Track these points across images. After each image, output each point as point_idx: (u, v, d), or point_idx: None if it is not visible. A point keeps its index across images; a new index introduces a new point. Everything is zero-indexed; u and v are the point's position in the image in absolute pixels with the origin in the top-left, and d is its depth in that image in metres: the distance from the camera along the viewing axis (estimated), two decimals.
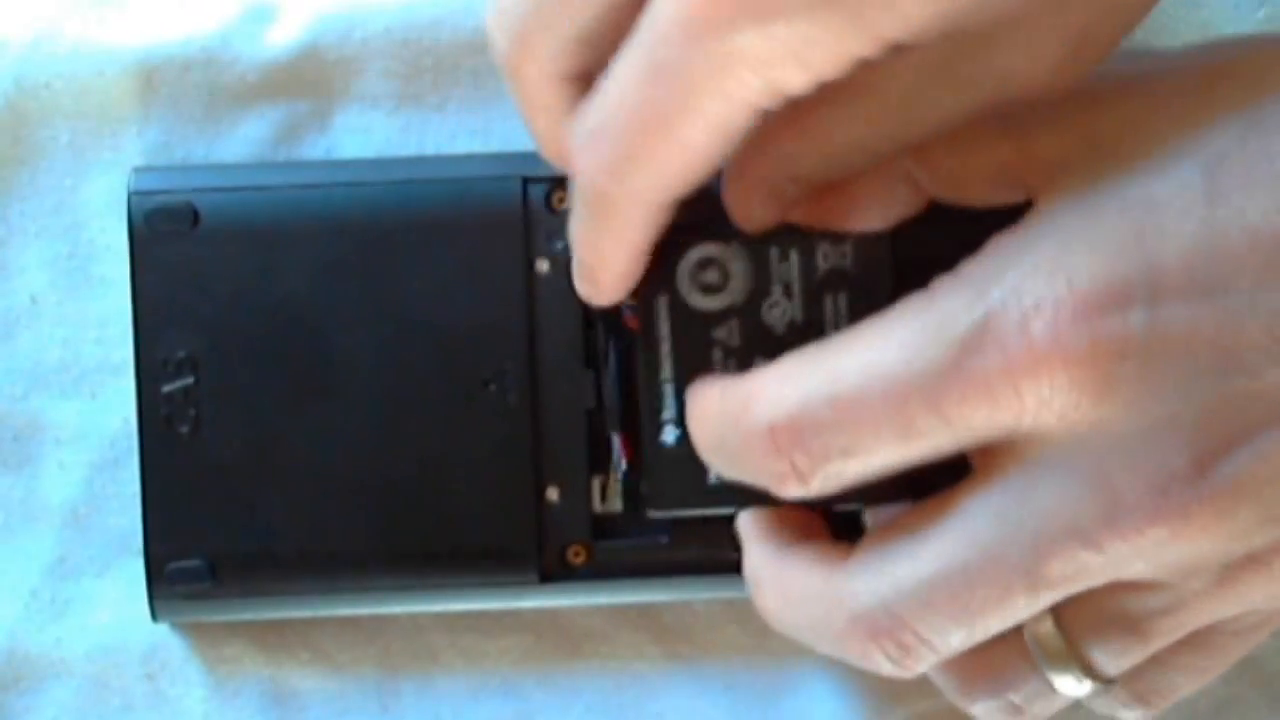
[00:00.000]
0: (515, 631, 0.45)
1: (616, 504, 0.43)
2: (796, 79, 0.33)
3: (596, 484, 0.43)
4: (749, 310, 0.41)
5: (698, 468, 0.40)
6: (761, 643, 0.45)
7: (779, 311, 0.41)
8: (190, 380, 0.42)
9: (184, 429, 0.42)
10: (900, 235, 0.41)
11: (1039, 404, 0.33)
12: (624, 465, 0.42)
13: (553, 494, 0.43)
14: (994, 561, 0.34)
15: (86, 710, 0.45)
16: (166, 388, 0.42)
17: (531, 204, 0.42)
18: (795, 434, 0.35)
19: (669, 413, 0.41)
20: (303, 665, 0.45)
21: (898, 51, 0.33)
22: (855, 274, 0.41)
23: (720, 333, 0.41)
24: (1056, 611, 0.36)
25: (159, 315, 0.42)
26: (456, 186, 0.42)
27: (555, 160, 0.38)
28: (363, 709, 0.45)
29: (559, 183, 0.42)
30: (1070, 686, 0.37)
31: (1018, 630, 0.36)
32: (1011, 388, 0.33)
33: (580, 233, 0.37)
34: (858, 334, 0.35)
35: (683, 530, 0.42)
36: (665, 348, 0.42)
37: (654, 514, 0.41)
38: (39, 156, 0.44)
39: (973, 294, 0.34)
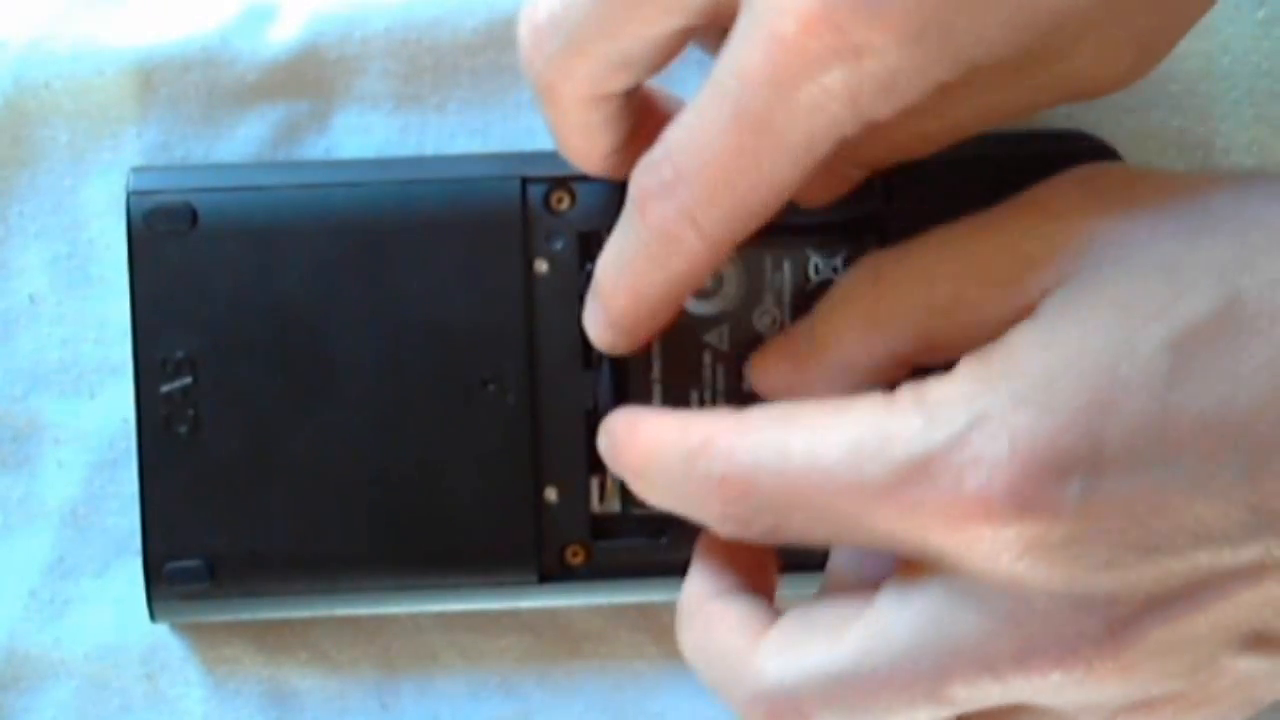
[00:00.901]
0: (514, 631, 0.45)
1: (615, 504, 0.43)
2: (885, 108, 0.34)
3: (595, 484, 0.43)
4: (740, 316, 0.42)
5: None
6: None
7: (769, 319, 0.42)
8: (189, 380, 0.42)
9: (183, 429, 0.42)
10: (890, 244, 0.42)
11: (964, 547, 0.34)
12: None
13: (551, 494, 0.43)
14: (902, 671, 0.35)
15: (86, 710, 0.45)
16: (165, 388, 0.42)
17: (530, 204, 0.42)
18: (742, 490, 0.36)
19: None
20: (302, 665, 0.45)
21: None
22: None
23: (711, 337, 0.42)
24: None
25: (158, 315, 0.42)
26: (455, 187, 0.42)
27: (585, 169, 0.39)
28: (362, 709, 0.45)
29: (558, 183, 0.42)
30: None
31: None
32: (939, 528, 0.34)
33: (626, 280, 0.37)
34: (815, 411, 0.36)
35: (682, 530, 0.42)
36: (656, 348, 0.42)
37: (641, 511, 0.42)
38: (38, 156, 0.44)
39: (925, 423, 0.34)
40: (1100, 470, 0.33)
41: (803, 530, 0.35)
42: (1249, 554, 0.33)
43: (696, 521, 0.37)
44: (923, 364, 0.37)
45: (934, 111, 0.35)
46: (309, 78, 0.44)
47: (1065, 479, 0.33)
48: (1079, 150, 0.43)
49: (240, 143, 0.44)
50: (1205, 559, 0.33)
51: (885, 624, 0.35)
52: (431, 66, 0.44)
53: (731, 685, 0.37)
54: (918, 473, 0.34)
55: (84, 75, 0.44)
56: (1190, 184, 0.36)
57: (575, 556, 0.43)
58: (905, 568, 0.36)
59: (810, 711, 0.35)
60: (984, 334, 0.35)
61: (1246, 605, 0.34)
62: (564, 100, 0.37)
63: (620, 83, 0.37)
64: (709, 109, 0.34)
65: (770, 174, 0.34)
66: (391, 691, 0.45)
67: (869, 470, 0.34)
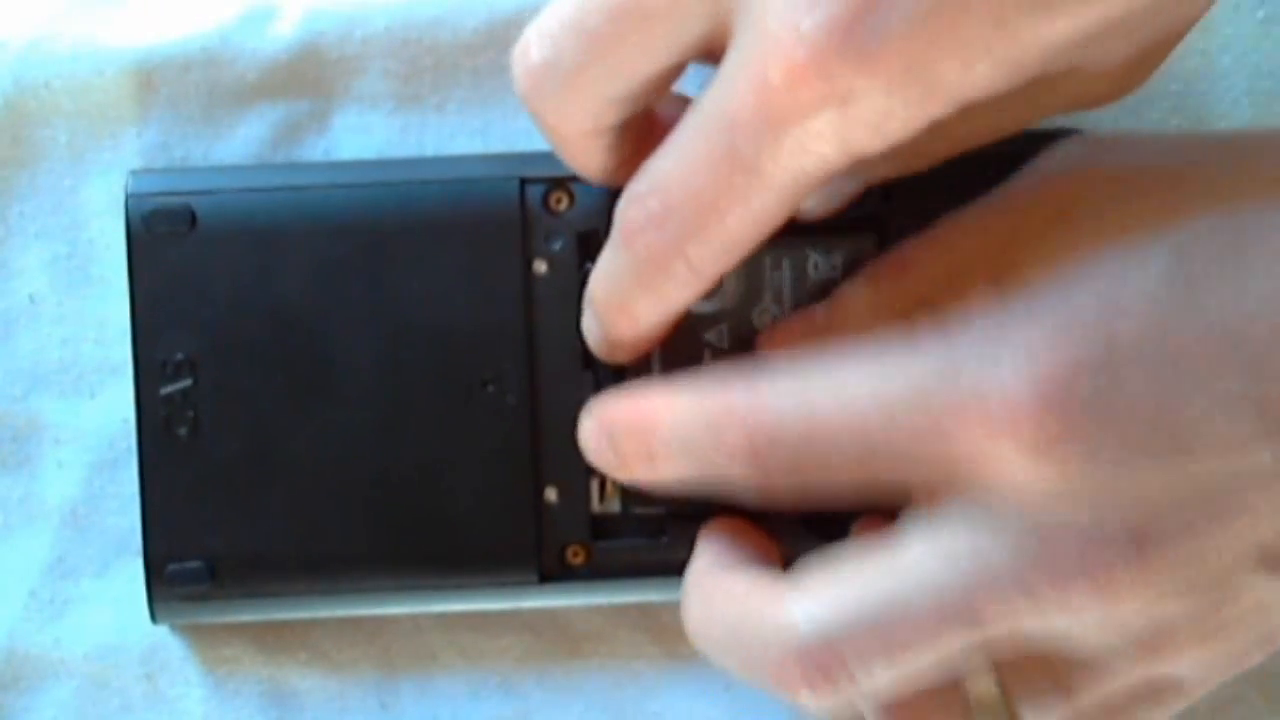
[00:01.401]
0: (514, 631, 0.45)
1: (615, 504, 0.43)
2: (875, 146, 0.34)
3: (595, 484, 0.43)
4: (739, 315, 0.42)
5: None
6: None
7: (769, 318, 0.42)
8: (189, 382, 0.42)
9: (182, 431, 0.42)
10: (890, 246, 0.42)
11: (991, 463, 0.34)
12: None
13: (551, 494, 0.43)
14: (936, 598, 0.35)
15: (85, 710, 0.45)
16: (165, 389, 0.42)
17: (529, 205, 0.42)
18: (770, 450, 0.36)
19: None
20: (302, 665, 0.45)
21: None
22: None
23: (710, 335, 0.42)
24: (999, 678, 0.38)
25: (157, 317, 0.42)
26: (454, 187, 0.42)
27: (590, 182, 0.39)
28: (362, 709, 0.45)
29: (557, 184, 0.42)
30: None
31: (952, 690, 0.38)
32: (967, 446, 0.34)
33: (617, 300, 0.38)
34: (836, 362, 0.36)
35: (682, 530, 0.43)
36: (655, 348, 0.42)
37: (641, 511, 0.42)
38: (38, 156, 0.44)
39: (945, 349, 0.35)
40: (1113, 372, 0.34)
41: (835, 478, 0.36)
42: (1259, 459, 0.34)
43: (716, 492, 0.37)
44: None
45: (931, 136, 0.36)
46: (309, 78, 0.44)
47: (1080, 382, 0.34)
48: None
49: (240, 143, 0.44)
50: (1218, 465, 0.34)
51: (914, 555, 0.36)
52: (431, 66, 0.44)
53: (757, 648, 0.37)
54: (941, 394, 0.34)
55: (84, 75, 0.44)
56: (1180, 135, 0.38)
57: (575, 556, 0.43)
58: (928, 498, 0.36)
59: (849, 656, 0.35)
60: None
61: (1262, 515, 0.34)
62: (565, 134, 0.38)
63: (617, 115, 0.37)
64: (696, 145, 0.35)
65: (758, 210, 0.35)
66: (391, 691, 0.45)
67: (896, 402, 0.35)
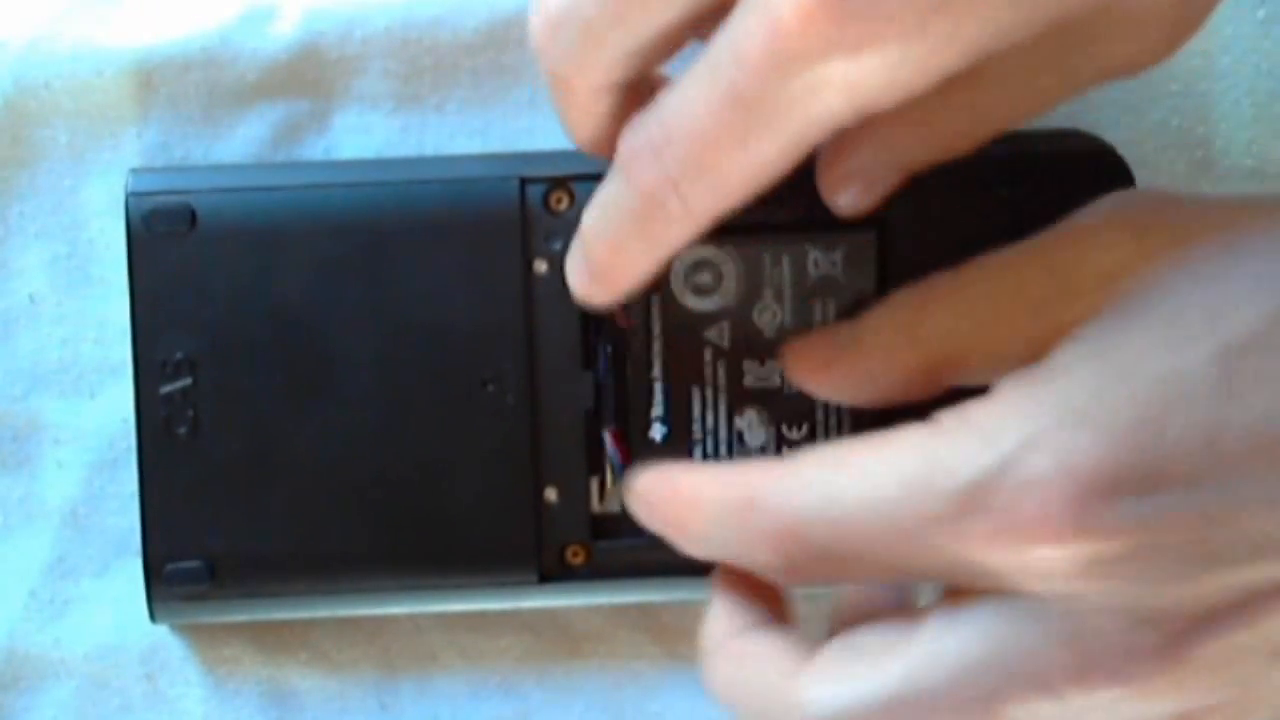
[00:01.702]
0: (514, 631, 0.45)
1: (615, 504, 0.43)
2: (886, 98, 0.33)
3: (595, 484, 0.43)
4: (740, 313, 0.42)
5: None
6: None
7: (769, 315, 0.42)
8: (188, 381, 0.42)
9: (182, 430, 0.42)
10: (889, 246, 0.42)
11: (1021, 569, 0.34)
12: (620, 464, 0.43)
13: (551, 494, 0.43)
14: (955, 692, 0.34)
15: (85, 710, 0.45)
16: (165, 389, 0.42)
17: (529, 205, 0.42)
18: (795, 542, 0.36)
19: (657, 410, 0.42)
20: (302, 665, 0.45)
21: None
22: (844, 283, 0.42)
23: (711, 334, 0.42)
24: None
25: (157, 316, 0.42)
26: (454, 187, 0.42)
27: (593, 153, 0.38)
28: (362, 709, 0.45)
29: (557, 183, 0.42)
30: None
31: None
32: (996, 552, 0.34)
33: (608, 233, 0.37)
34: (860, 449, 0.36)
35: None
36: (656, 346, 0.42)
37: None
38: (38, 156, 0.44)
39: (976, 448, 0.34)
40: (1156, 486, 0.33)
41: (860, 571, 0.35)
42: None
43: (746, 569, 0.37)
44: (953, 383, 0.37)
45: (960, 104, 0.35)
46: (309, 78, 0.44)
47: (1121, 497, 0.33)
48: (1079, 150, 0.43)
49: (240, 143, 0.44)
50: (1262, 571, 0.33)
51: (936, 647, 0.35)
52: (431, 66, 0.44)
53: None
54: (973, 498, 0.33)
55: (84, 75, 0.44)
56: (1223, 208, 0.36)
57: (575, 556, 0.43)
58: (953, 589, 0.35)
59: None
60: (1019, 355, 0.35)
61: None
62: (576, 90, 0.37)
63: (631, 70, 0.37)
64: (704, 81, 0.34)
65: (757, 154, 0.34)
66: (391, 691, 0.45)
67: (924, 502, 0.34)
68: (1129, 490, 0.33)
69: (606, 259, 0.37)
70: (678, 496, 0.38)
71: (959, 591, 0.35)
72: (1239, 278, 0.34)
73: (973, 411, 0.34)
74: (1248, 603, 0.33)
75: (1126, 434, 0.33)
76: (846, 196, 0.39)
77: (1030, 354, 0.35)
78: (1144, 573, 0.33)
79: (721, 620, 0.39)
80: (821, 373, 0.39)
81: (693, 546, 0.38)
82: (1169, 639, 0.33)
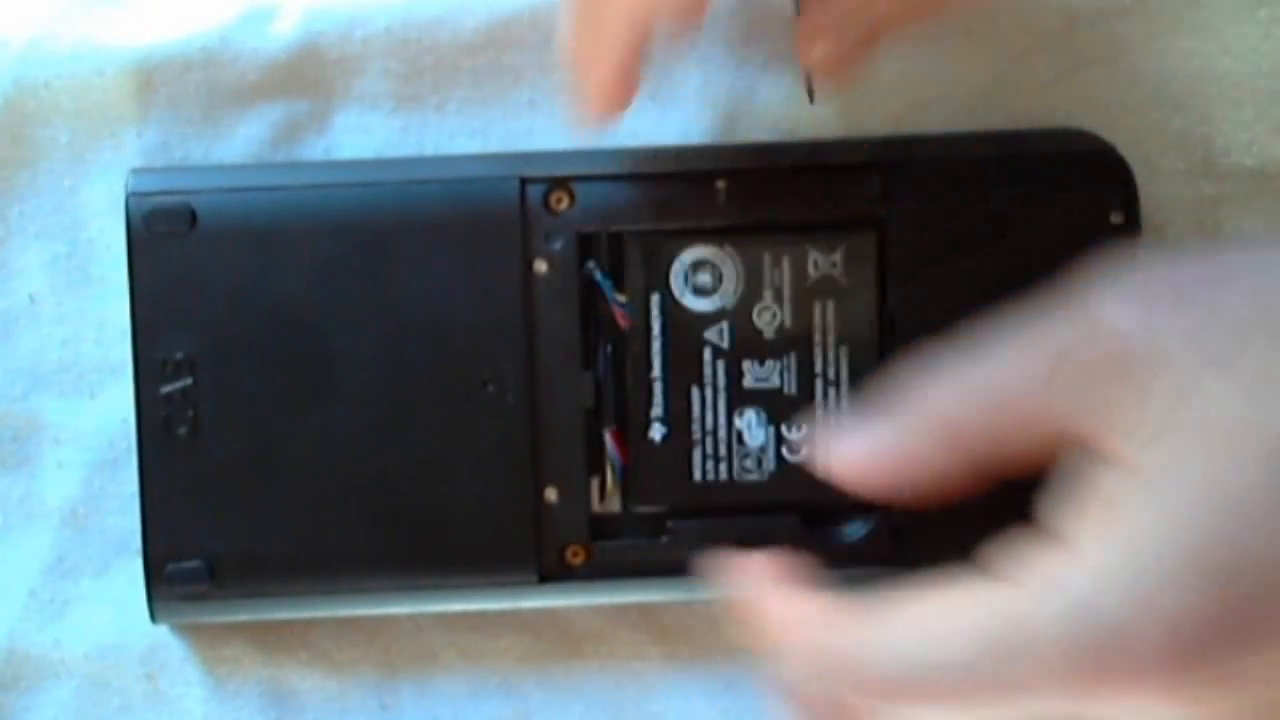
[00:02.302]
0: (514, 631, 0.45)
1: (615, 504, 0.43)
2: None
3: (595, 484, 0.43)
4: (740, 313, 0.42)
5: (683, 464, 0.42)
6: None
7: (769, 316, 0.42)
8: (188, 381, 0.42)
9: (182, 430, 0.42)
10: (889, 246, 0.42)
11: (1118, 708, 0.34)
12: (620, 464, 0.43)
13: (551, 494, 0.43)
14: None
15: (86, 710, 0.45)
16: (165, 389, 0.42)
17: (530, 204, 0.42)
18: (880, 696, 0.36)
19: (657, 410, 0.42)
20: (302, 665, 0.45)
21: None
22: (844, 283, 0.42)
23: (711, 334, 0.42)
24: None
25: (157, 316, 0.42)
26: (455, 187, 0.42)
27: (602, 111, 0.40)
28: (362, 709, 0.45)
29: (557, 183, 0.42)
30: None
31: None
32: (1096, 697, 0.34)
33: (573, 44, 0.39)
34: (935, 616, 0.36)
35: (682, 530, 0.43)
36: (656, 346, 0.42)
37: (640, 508, 0.42)
38: (38, 156, 0.44)
39: (1063, 608, 0.34)
40: (1239, 607, 0.33)
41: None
42: None
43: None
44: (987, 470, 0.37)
45: None
46: (309, 78, 0.44)
47: (1211, 629, 0.33)
48: (1079, 150, 0.43)
49: (240, 143, 0.44)
50: None
51: None
52: (431, 66, 0.44)
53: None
54: (1066, 658, 0.34)
55: (84, 75, 0.44)
56: (1207, 264, 0.36)
57: (575, 556, 0.43)
58: None
59: None
60: (1046, 440, 0.36)
61: None
62: (610, 28, 0.38)
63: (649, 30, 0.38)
64: None
65: None
66: (391, 691, 0.45)
67: (1012, 664, 0.34)
68: (1220, 625, 0.33)
69: (579, 64, 0.40)
70: (769, 612, 0.38)
71: None
72: (1259, 369, 0.34)
73: (1046, 566, 0.35)
74: None
75: (1208, 571, 0.33)
76: (819, 51, 0.40)
77: (1052, 441, 0.36)
78: (1235, 705, 0.33)
79: (773, 592, 0.39)
80: (863, 459, 0.39)
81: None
82: None
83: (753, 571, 0.39)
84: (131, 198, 0.42)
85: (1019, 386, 0.36)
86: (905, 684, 0.35)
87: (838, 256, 0.42)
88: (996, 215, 0.42)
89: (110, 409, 0.44)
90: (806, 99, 0.43)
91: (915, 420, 0.37)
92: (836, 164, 0.42)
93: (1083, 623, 0.34)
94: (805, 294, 0.42)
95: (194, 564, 0.42)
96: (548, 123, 0.44)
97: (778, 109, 0.44)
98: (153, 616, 0.43)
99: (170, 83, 0.44)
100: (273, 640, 0.45)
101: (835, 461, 0.38)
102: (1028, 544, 0.35)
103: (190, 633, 0.45)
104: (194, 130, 0.44)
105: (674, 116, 0.44)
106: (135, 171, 0.43)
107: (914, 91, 0.44)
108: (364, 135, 0.44)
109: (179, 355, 0.42)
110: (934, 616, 0.35)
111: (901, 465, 0.37)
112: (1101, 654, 0.33)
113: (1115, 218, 0.42)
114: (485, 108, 0.44)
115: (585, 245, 0.42)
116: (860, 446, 0.38)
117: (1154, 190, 0.44)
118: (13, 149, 0.44)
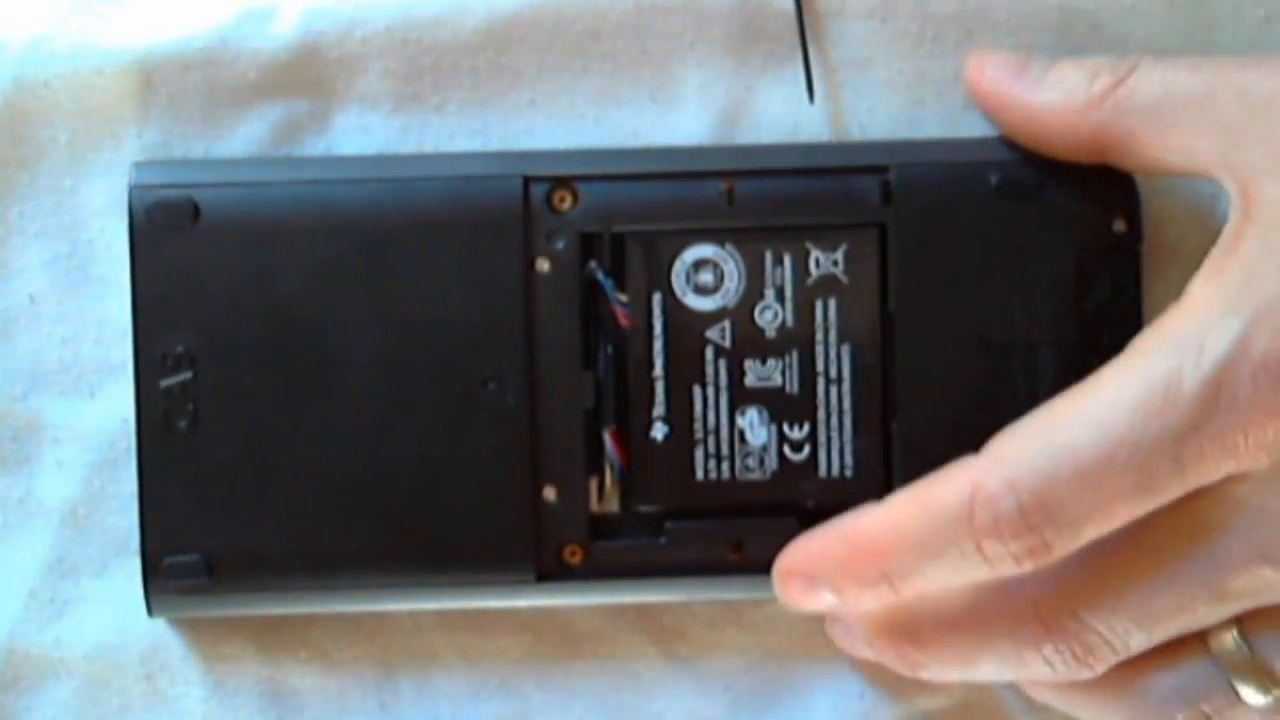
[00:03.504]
0: (514, 631, 0.45)
1: (614, 504, 0.43)
2: None
3: (594, 484, 0.43)
4: (742, 312, 0.42)
5: (685, 463, 0.42)
6: (761, 642, 0.45)
7: (771, 315, 0.42)
8: (189, 375, 0.42)
9: (182, 424, 0.42)
10: (890, 245, 0.42)
11: (1264, 449, 0.35)
12: (619, 464, 0.43)
13: (550, 493, 0.43)
14: (1180, 576, 0.36)
15: (85, 710, 0.45)
16: (165, 383, 0.42)
17: (533, 203, 0.42)
18: (1046, 511, 0.36)
19: (659, 409, 0.42)
20: (302, 664, 0.45)
21: None
22: (845, 282, 0.42)
23: (713, 333, 0.42)
24: (1240, 624, 0.38)
25: (158, 310, 0.42)
26: (457, 184, 0.42)
27: None
28: (362, 708, 0.45)
29: (560, 182, 0.42)
30: (1254, 696, 0.39)
31: (1204, 642, 0.39)
32: (1248, 439, 0.35)
33: None
34: (1077, 404, 0.37)
35: (681, 530, 0.43)
36: (658, 345, 0.42)
37: (643, 507, 0.42)
38: (38, 156, 0.44)
39: (1194, 352, 0.36)
40: None
41: (1115, 513, 0.36)
42: None
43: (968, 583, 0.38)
44: None
45: None
46: (309, 77, 0.44)
47: None
48: None
49: (240, 142, 0.44)
50: None
51: (1159, 539, 0.37)
52: (431, 66, 0.44)
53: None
54: (1213, 396, 0.35)
55: (84, 75, 0.44)
56: None
57: (574, 556, 0.43)
58: None
59: (1094, 615, 0.37)
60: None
61: None
62: None
63: None
64: None
65: None
66: (391, 691, 0.45)
67: (1167, 418, 0.35)
68: None
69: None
70: (858, 543, 0.39)
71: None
72: None
73: (1170, 325, 0.36)
74: None
75: None
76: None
77: None
78: None
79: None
80: None
81: (913, 584, 0.38)
82: None
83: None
84: (134, 190, 0.42)
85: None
86: (1063, 483, 0.36)
87: (839, 255, 0.42)
88: (997, 215, 0.42)
89: (110, 409, 0.44)
90: (807, 99, 0.43)
91: None
92: (838, 165, 0.42)
93: (1214, 360, 0.35)
94: (807, 293, 0.42)
95: (192, 557, 0.42)
96: (548, 122, 0.44)
97: (778, 109, 0.44)
98: (149, 609, 0.43)
99: (170, 82, 0.44)
100: (272, 640, 0.45)
101: None
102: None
103: (190, 632, 0.44)
104: (194, 130, 0.44)
105: (674, 117, 0.44)
106: (138, 165, 0.43)
107: (914, 91, 0.44)
108: (364, 135, 0.44)
109: (179, 349, 0.42)
110: (1075, 410, 0.36)
111: None
112: (1244, 386, 0.35)
113: (1118, 225, 0.42)
114: (485, 108, 0.44)
115: (588, 245, 0.42)
116: None
117: (1156, 194, 0.44)
118: (13, 149, 0.44)
